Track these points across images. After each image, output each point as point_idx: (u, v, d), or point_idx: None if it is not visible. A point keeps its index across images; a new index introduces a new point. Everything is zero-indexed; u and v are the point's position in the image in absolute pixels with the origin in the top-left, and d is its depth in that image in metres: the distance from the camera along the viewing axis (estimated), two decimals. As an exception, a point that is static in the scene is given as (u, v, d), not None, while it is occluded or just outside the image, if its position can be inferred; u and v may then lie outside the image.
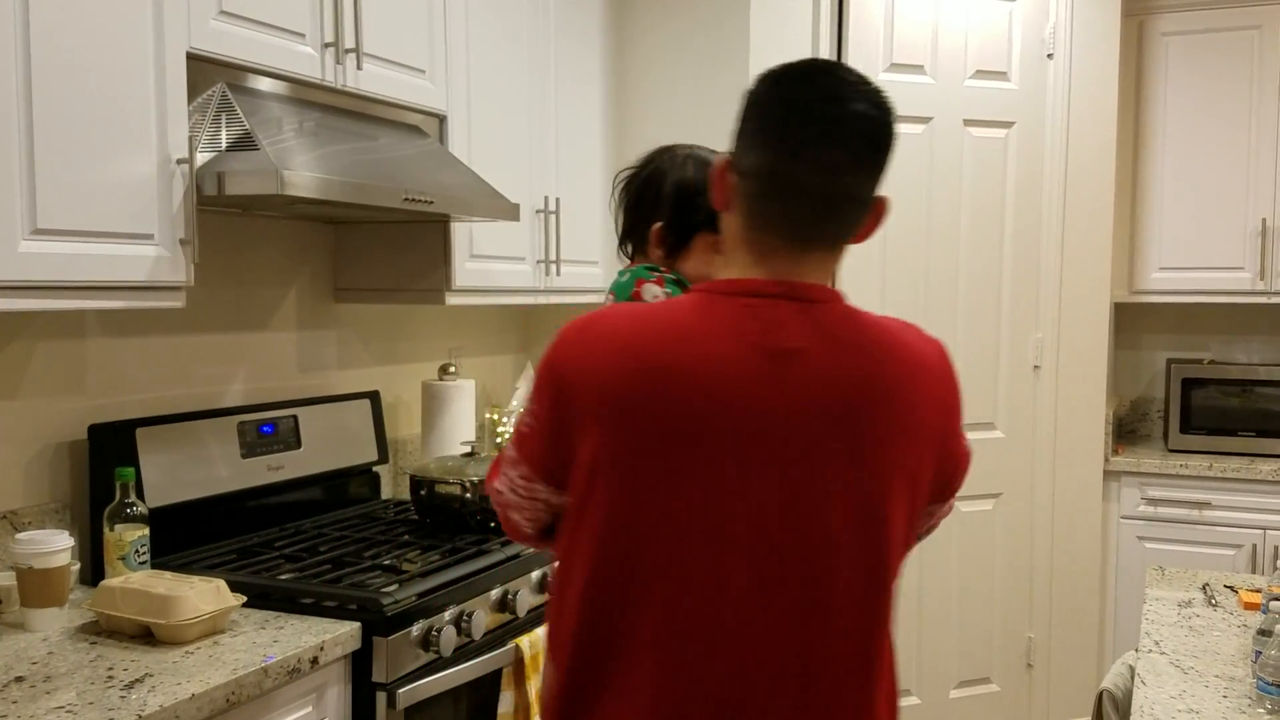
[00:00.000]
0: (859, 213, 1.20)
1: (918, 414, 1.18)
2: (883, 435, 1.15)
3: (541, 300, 3.17)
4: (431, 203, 2.29)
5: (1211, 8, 3.83)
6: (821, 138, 1.15)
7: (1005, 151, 3.61)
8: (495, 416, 3.32)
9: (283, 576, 2.09)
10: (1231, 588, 2.29)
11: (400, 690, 1.91)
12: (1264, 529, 3.66)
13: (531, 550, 2.39)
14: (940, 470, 1.24)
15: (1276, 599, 1.78)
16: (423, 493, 2.51)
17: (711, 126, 3.34)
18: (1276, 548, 3.63)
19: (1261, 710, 1.59)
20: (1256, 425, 3.87)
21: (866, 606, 1.16)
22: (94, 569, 2.12)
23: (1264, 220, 3.79)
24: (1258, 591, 2.21)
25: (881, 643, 1.18)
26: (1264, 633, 1.71)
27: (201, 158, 1.97)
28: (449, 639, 2.02)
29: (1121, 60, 3.68)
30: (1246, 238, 3.83)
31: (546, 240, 3.12)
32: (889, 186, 3.95)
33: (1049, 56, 3.59)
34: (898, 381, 1.17)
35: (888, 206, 1.22)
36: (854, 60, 3.46)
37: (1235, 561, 3.68)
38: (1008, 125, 3.60)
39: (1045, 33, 3.59)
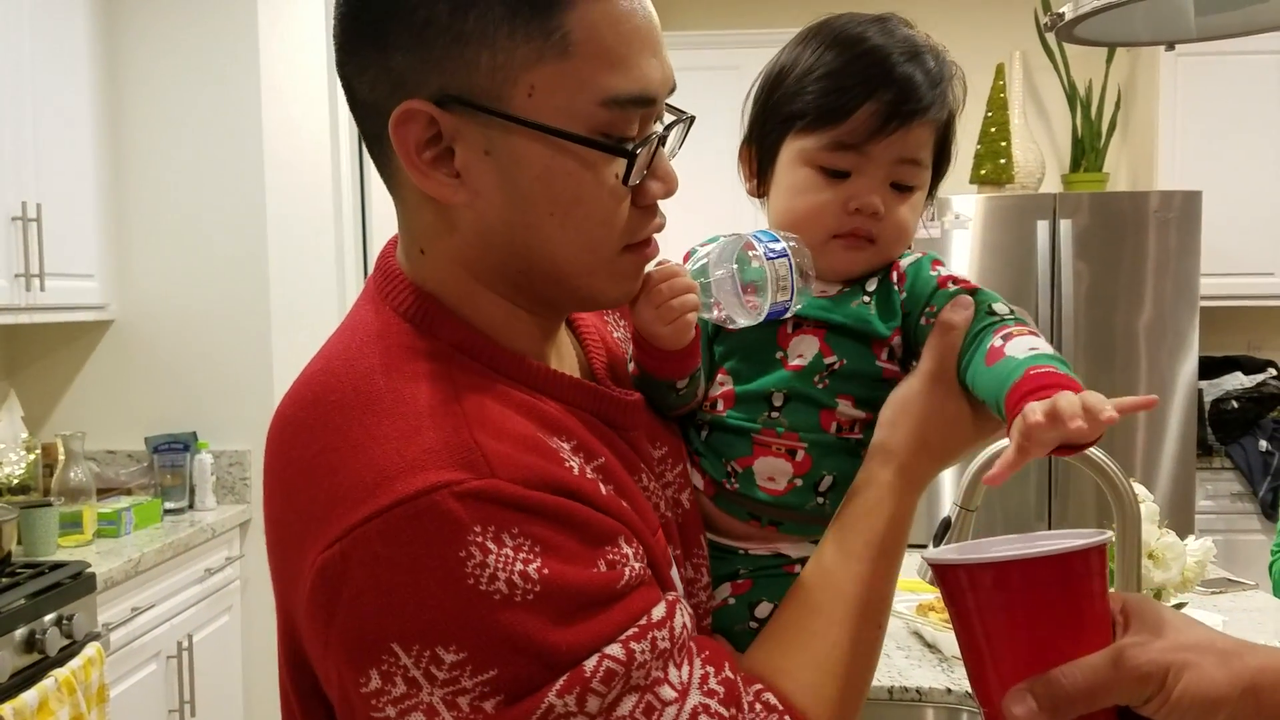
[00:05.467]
0: (372, 124, 0.75)
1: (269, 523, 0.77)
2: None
3: (24, 319, 2.80)
4: None
5: (696, 49, 4.23)
6: None
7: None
8: (-32, 452, 2.86)
9: None
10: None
11: None
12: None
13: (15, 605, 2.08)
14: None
15: None
16: None
17: (223, 124, 3.13)
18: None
19: None
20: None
21: None
22: None
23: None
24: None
25: None
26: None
27: None
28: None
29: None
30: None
31: (26, 251, 2.74)
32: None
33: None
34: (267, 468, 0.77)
35: (407, 115, 0.71)
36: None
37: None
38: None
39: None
